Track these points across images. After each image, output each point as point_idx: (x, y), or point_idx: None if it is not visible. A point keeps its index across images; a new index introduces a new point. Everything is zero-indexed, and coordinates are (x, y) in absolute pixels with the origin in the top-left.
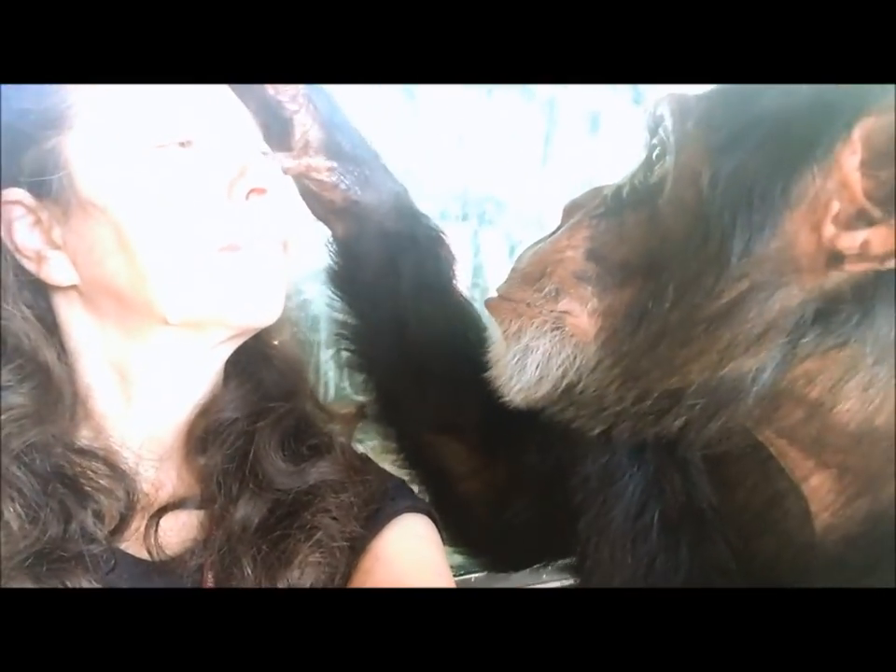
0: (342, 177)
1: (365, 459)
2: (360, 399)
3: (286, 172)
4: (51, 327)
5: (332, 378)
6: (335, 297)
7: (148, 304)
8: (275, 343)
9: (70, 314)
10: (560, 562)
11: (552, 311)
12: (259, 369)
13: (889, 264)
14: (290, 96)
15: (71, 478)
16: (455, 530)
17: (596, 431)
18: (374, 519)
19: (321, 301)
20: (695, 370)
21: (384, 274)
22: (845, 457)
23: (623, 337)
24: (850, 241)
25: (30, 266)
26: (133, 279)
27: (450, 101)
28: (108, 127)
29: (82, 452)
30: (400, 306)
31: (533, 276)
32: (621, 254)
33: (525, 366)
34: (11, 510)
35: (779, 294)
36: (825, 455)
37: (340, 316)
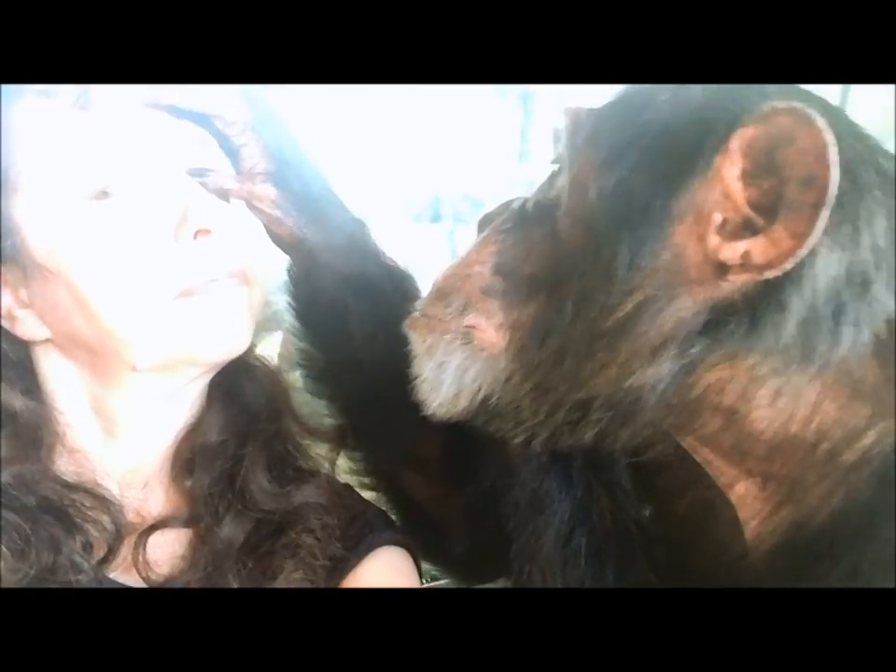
0: (287, 213)
1: (347, 488)
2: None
3: (227, 193)
4: (24, 371)
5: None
6: (294, 326)
7: (117, 354)
8: (254, 360)
9: (46, 360)
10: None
11: (459, 326)
12: (243, 389)
13: (769, 274)
14: (238, 130)
15: (58, 511)
16: (423, 549)
17: (518, 441)
18: (356, 547)
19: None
20: (600, 383)
21: (334, 315)
22: (766, 465)
23: (531, 351)
24: (731, 252)
25: (4, 323)
26: (98, 333)
27: (425, 98)
28: (50, 186)
29: (67, 486)
30: (354, 346)
31: (445, 292)
32: (526, 268)
33: (442, 381)
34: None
35: (674, 305)
36: (747, 462)
37: (300, 344)
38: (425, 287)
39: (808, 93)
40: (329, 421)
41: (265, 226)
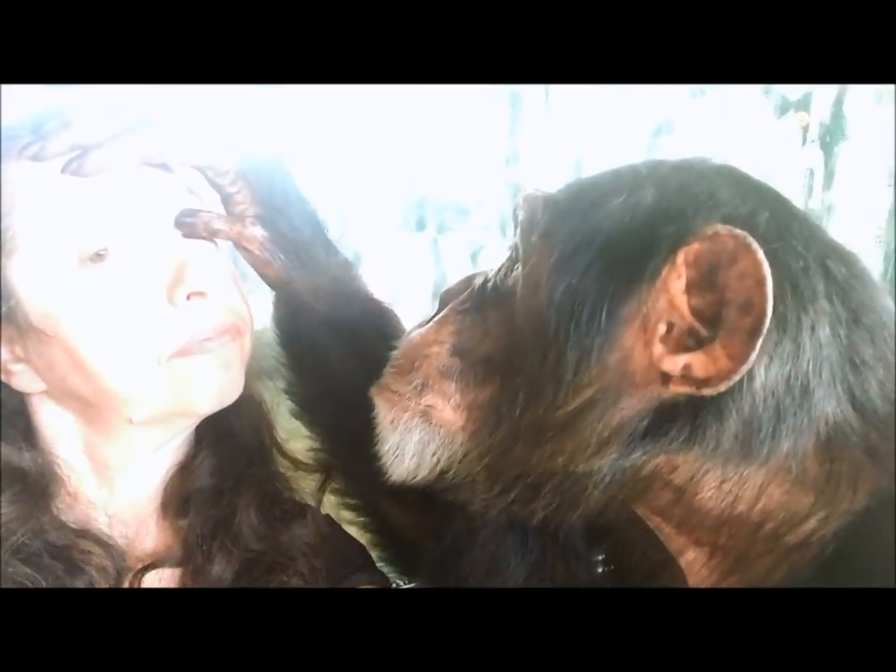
0: (275, 256)
1: (331, 523)
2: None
3: (216, 234)
4: (23, 419)
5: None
6: (280, 354)
7: (114, 409)
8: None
9: (43, 410)
10: None
11: (418, 404)
12: (230, 425)
13: (707, 391)
14: (230, 179)
15: (65, 558)
16: (399, 565)
17: (474, 508)
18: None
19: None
20: (549, 469)
21: (316, 350)
22: (714, 537)
23: (485, 434)
24: (672, 364)
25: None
26: (95, 391)
27: (409, 100)
28: (44, 250)
29: (74, 532)
30: (334, 380)
31: (405, 368)
32: (483, 350)
33: (404, 454)
34: None
35: (621, 404)
36: (696, 533)
37: (285, 373)
38: (407, 304)
39: (759, 189)
40: (314, 453)
41: (252, 265)
